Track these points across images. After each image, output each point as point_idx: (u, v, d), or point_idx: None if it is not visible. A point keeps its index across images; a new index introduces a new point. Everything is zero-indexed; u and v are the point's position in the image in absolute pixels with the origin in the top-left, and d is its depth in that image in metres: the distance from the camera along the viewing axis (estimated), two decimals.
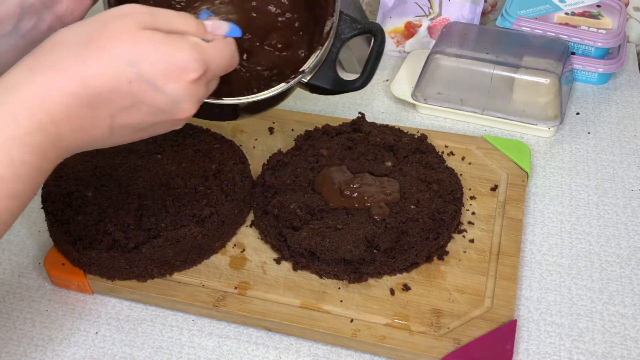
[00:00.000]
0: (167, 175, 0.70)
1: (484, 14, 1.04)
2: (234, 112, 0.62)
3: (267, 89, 0.58)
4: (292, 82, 0.59)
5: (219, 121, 0.68)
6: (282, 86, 0.58)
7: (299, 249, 0.65)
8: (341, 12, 0.62)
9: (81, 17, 0.60)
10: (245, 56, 0.63)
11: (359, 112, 0.82)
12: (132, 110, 0.44)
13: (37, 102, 0.41)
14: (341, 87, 0.62)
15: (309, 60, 0.60)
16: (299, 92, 0.94)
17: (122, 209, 0.66)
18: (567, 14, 0.93)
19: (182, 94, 0.45)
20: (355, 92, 0.92)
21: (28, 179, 0.42)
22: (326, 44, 0.60)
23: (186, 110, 0.46)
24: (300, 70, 0.60)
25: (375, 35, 0.63)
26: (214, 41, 0.47)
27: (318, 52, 0.60)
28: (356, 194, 0.68)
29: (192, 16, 0.47)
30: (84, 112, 0.43)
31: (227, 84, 0.57)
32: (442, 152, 0.78)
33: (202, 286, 0.65)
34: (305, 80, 0.60)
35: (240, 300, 0.63)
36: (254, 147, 0.81)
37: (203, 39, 0.47)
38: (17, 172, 0.41)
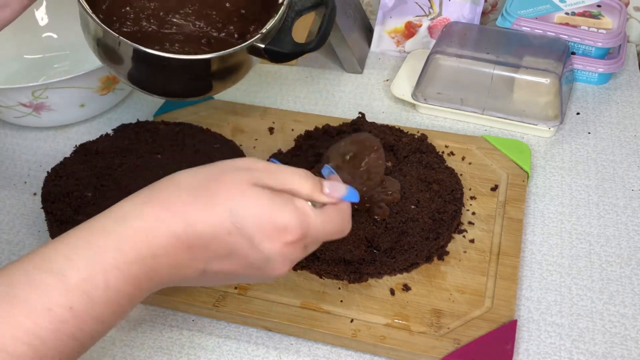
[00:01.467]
0: (167, 175, 0.70)
1: (484, 13, 1.04)
2: (205, 78, 0.66)
3: None
4: (248, 42, 0.64)
5: (197, 96, 0.71)
6: (240, 46, 0.63)
7: None
8: None
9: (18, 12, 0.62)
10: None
11: (359, 112, 0.82)
12: (226, 259, 0.46)
13: (143, 236, 0.43)
14: (297, 50, 0.66)
15: (265, 26, 0.65)
16: (299, 92, 0.94)
17: None
18: (567, 13, 0.93)
19: (277, 254, 0.45)
20: (355, 92, 0.93)
21: (117, 307, 0.43)
22: (280, 11, 0.65)
23: (277, 269, 0.46)
24: (259, 32, 0.65)
25: (326, 3, 0.68)
26: (325, 207, 0.47)
27: (272, 19, 0.65)
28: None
29: (311, 176, 0.48)
30: (183, 253, 0.44)
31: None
32: (442, 152, 0.78)
33: (202, 286, 0.65)
34: (263, 46, 0.64)
35: (240, 300, 0.63)
36: (254, 147, 0.81)
37: (315, 203, 0.47)
38: (109, 298, 0.42)
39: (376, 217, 0.66)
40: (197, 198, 0.44)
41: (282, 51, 0.65)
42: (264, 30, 0.64)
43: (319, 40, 0.67)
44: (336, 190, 0.48)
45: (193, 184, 0.45)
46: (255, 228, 0.44)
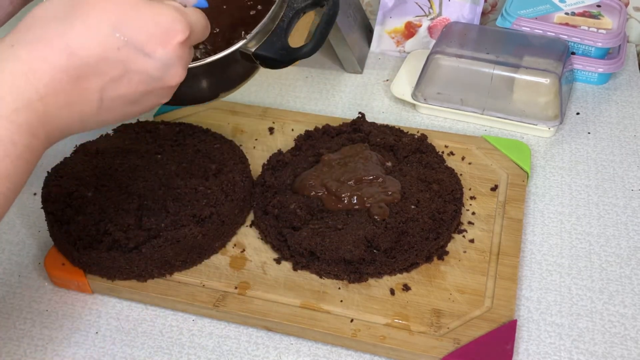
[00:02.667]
0: (167, 175, 0.70)
1: (484, 14, 1.04)
2: (199, 85, 0.62)
3: None
4: (234, 47, 0.58)
5: (197, 103, 0.68)
6: (225, 52, 0.58)
7: (299, 249, 0.65)
8: None
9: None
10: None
11: (359, 112, 0.82)
12: (123, 80, 0.43)
13: (23, 78, 0.40)
14: (290, 56, 0.60)
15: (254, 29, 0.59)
16: (299, 92, 0.94)
17: (122, 209, 0.66)
18: (567, 14, 0.93)
19: (173, 58, 0.44)
20: (355, 92, 0.93)
21: (19, 160, 0.40)
22: (270, 10, 0.59)
23: (177, 75, 0.45)
24: (244, 37, 0.59)
25: (326, 2, 0.63)
26: (190, 7, 0.47)
27: (262, 21, 0.59)
28: (355, 198, 0.68)
29: None
30: (72, 86, 0.41)
31: None
32: (442, 152, 0.78)
33: (202, 286, 0.65)
34: (252, 50, 0.59)
35: (240, 300, 0.63)
36: (254, 147, 0.81)
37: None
38: (6, 152, 0.39)
39: (376, 217, 0.66)
40: (71, 23, 0.41)
41: (270, 56, 0.59)
42: (250, 35, 0.58)
43: (314, 45, 0.61)
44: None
45: (59, 13, 0.41)
46: (145, 36, 0.42)
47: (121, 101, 0.44)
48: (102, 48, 0.41)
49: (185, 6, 0.47)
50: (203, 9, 0.49)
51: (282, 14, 0.60)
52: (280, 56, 0.60)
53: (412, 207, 0.68)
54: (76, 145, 0.76)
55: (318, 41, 0.62)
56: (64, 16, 0.41)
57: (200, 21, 0.46)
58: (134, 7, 0.42)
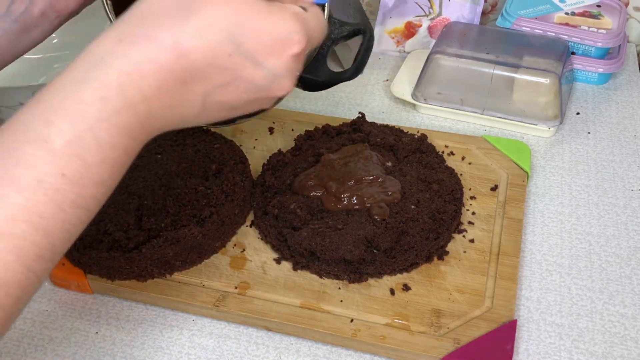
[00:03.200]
0: (167, 175, 0.70)
1: (484, 13, 1.04)
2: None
3: None
4: None
5: (222, 126, 0.70)
6: None
7: (299, 249, 0.65)
8: (330, 16, 0.63)
9: (76, 5, 0.57)
10: None
11: (359, 112, 0.81)
12: (229, 87, 0.40)
13: (128, 78, 0.37)
14: (333, 79, 0.63)
15: None
16: (299, 92, 0.94)
17: (122, 209, 0.66)
18: (567, 14, 0.93)
19: (283, 70, 0.41)
20: (355, 92, 0.93)
21: (115, 164, 0.38)
22: None
23: (285, 86, 0.42)
24: None
25: (364, 32, 0.66)
26: (310, 10, 0.43)
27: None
28: (355, 198, 0.68)
29: None
30: (177, 88, 0.39)
31: None
32: (442, 152, 0.78)
33: (202, 286, 0.65)
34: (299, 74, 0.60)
35: (240, 300, 0.63)
36: (254, 147, 0.81)
37: (302, 7, 0.43)
38: (105, 157, 0.37)
39: (376, 217, 0.66)
40: (184, 21, 0.38)
41: (317, 80, 0.62)
42: None
43: (355, 70, 0.65)
44: None
45: (174, 5, 0.38)
46: (259, 45, 0.39)
47: (223, 106, 0.42)
48: (213, 53, 0.38)
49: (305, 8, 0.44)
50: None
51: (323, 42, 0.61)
52: (324, 79, 0.63)
53: (412, 207, 0.68)
54: None
55: (359, 66, 0.65)
56: (178, 12, 0.38)
57: (318, 26, 0.43)
58: (253, 11, 0.39)
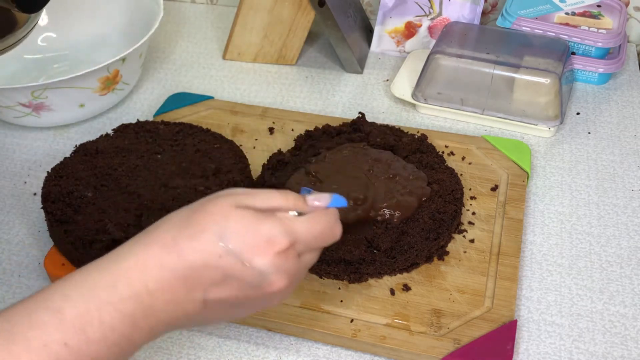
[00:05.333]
0: (167, 175, 0.70)
1: (484, 13, 1.04)
2: None
3: None
4: None
5: None
6: None
7: None
8: None
9: None
10: None
11: (359, 112, 0.81)
12: (223, 285, 0.46)
13: (136, 272, 0.44)
14: None
15: None
16: (299, 92, 0.94)
17: (122, 209, 0.66)
18: (567, 13, 0.93)
19: (269, 267, 0.45)
20: (355, 92, 0.93)
21: (114, 347, 0.43)
22: None
23: (275, 283, 0.46)
24: None
25: None
26: (310, 214, 0.48)
27: None
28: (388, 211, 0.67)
29: (292, 192, 0.49)
30: (178, 285, 0.44)
31: None
32: (442, 152, 0.78)
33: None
34: None
35: None
36: (254, 147, 0.81)
37: (299, 213, 0.48)
38: (104, 337, 0.42)
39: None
40: (185, 229, 0.45)
41: None
42: None
43: None
44: (321, 200, 0.49)
45: (180, 219, 0.47)
46: (243, 245, 0.45)
47: (223, 304, 0.47)
48: (206, 254, 0.44)
49: (302, 213, 0.48)
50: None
51: None
52: None
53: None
54: (76, 145, 0.76)
55: None
56: (182, 223, 0.46)
57: (311, 229, 0.47)
58: (241, 219, 0.45)
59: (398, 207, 0.67)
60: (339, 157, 0.72)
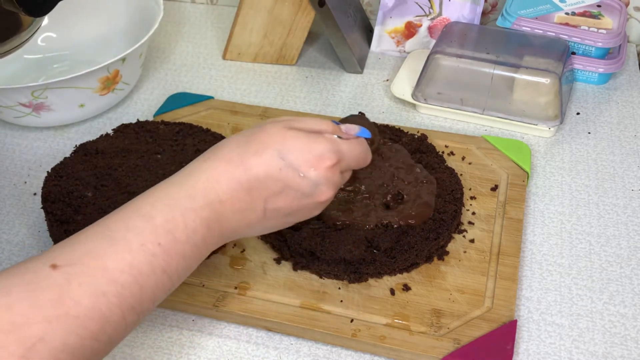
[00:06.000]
0: (167, 175, 0.70)
1: (484, 13, 1.04)
2: None
3: None
4: None
5: None
6: None
7: (299, 249, 0.65)
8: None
9: None
10: None
11: (359, 112, 0.81)
12: (282, 195, 0.53)
13: (209, 184, 0.51)
14: None
15: None
16: (299, 92, 0.94)
17: None
18: (567, 13, 0.93)
19: (321, 179, 0.54)
20: (355, 92, 0.93)
21: (195, 247, 0.51)
22: None
23: (325, 192, 0.54)
24: None
25: None
26: (348, 139, 0.57)
27: None
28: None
29: (328, 120, 0.57)
30: (244, 195, 0.52)
31: None
32: (442, 152, 0.78)
33: (202, 286, 0.65)
34: None
35: (240, 300, 0.63)
36: None
37: (338, 137, 0.56)
38: (188, 238, 0.50)
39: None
40: (249, 147, 0.53)
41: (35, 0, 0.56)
42: None
43: None
44: (351, 129, 0.58)
45: (241, 139, 0.54)
46: (300, 160, 0.53)
47: (280, 212, 0.54)
48: (269, 167, 0.52)
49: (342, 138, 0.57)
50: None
51: None
52: None
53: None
54: (76, 145, 0.76)
55: None
56: (245, 142, 0.53)
57: (352, 151, 0.56)
58: (296, 138, 0.53)
59: (410, 216, 0.67)
60: None
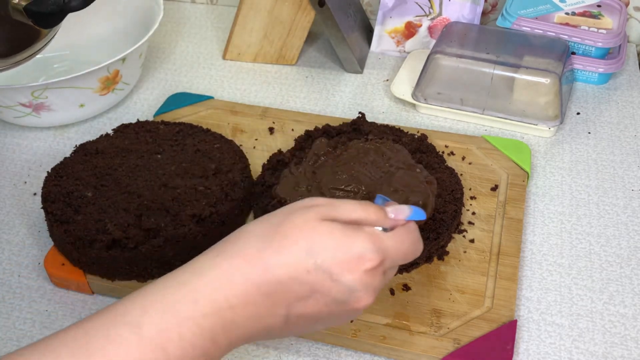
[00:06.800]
0: (167, 175, 0.70)
1: (484, 13, 1.04)
2: None
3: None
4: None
5: None
6: None
7: None
8: None
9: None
10: None
11: (359, 112, 0.81)
12: (309, 300, 0.44)
13: (219, 286, 0.42)
14: (59, 8, 0.58)
15: None
16: (299, 92, 0.94)
17: (122, 209, 0.66)
18: (567, 13, 0.93)
19: (358, 284, 0.44)
20: (355, 92, 0.93)
21: None
22: None
23: (362, 299, 0.45)
24: None
25: None
26: (395, 229, 0.47)
27: None
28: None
29: (372, 204, 0.47)
30: (262, 300, 0.43)
31: None
32: (443, 152, 0.78)
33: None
34: (24, 4, 0.56)
35: None
36: (254, 147, 0.81)
37: (383, 229, 0.46)
38: (184, 354, 0.41)
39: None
40: (271, 242, 0.44)
41: (42, 11, 0.56)
42: None
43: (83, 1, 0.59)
44: (400, 212, 0.47)
45: (263, 230, 0.45)
46: (334, 261, 0.44)
47: (306, 319, 0.45)
48: (294, 269, 0.43)
49: (388, 229, 0.46)
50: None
51: None
52: (49, 10, 0.57)
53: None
54: (76, 145, 0.76)
55: None
56: (267, 235, 0.44)
57: (399, 246, 0.46)
58: (329, 234, 0.44)
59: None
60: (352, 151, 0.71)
